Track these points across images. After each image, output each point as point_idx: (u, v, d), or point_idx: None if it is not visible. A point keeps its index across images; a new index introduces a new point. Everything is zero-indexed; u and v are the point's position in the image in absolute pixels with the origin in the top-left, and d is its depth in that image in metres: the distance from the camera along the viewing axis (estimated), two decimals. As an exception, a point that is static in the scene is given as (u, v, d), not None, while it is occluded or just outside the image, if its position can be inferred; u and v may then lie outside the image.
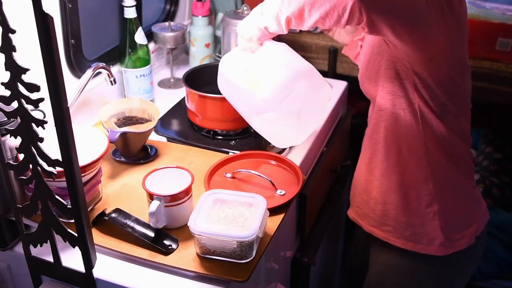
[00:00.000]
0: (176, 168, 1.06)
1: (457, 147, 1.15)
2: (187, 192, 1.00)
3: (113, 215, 1.00)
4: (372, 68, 1.15)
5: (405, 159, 1.15)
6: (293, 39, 1.80)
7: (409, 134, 1.13)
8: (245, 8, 1.56)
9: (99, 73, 1.29)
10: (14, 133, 0.80)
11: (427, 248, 1.19)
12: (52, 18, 0.71)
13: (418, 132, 1.12)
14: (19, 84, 0.76)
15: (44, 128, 0.79)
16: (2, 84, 0.77)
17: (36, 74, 0.77)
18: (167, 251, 0.96)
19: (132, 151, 1.22)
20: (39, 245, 0.92)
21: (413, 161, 1.15)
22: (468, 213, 1.21)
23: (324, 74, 1.37)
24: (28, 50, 0.86)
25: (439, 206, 1.16)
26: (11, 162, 0.86)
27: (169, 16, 1.76)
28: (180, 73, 1.74)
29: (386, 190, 1.20)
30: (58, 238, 0.90)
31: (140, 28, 1.43)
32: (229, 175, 1.17)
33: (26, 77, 0.76)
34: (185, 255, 0.96)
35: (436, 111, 1.09)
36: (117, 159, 1.24)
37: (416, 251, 1.20)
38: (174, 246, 0.97)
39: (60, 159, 0.80)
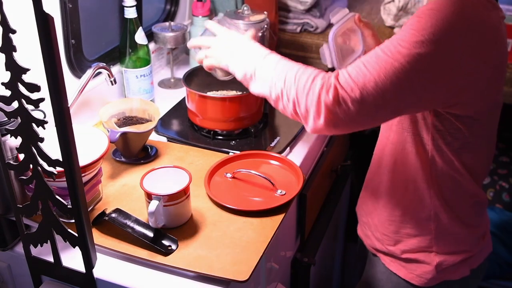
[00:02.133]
0: (174, 168, 1.06)
1: (468, 187, 1.09)
2: (185, 191, 1.01)
3: (113, 215, 1.00)
4: None
5: (409, 196, 1.11)
6: (293, 39, 1.80)
7: (418, 172, 1.08)
8: (245, 8, 1.56)
9: (100, 73, 1.29)
10: (14, 133, 0.80)
11: (417, 279, 1.16)
12: (52, 18, 0.71)
13: (426, 171, 1.07)
14: (19, 84, 0.76)
15: (44, 128, 0.80)
16: (3, 84, 0.77)
17: (36, 74, 0.77)
18: (166, 252, 0.96)
19: (132, 151, 1.22)
20: (39, 245, 0.92)
21: (417, 200, 1.11)
22: (467, 252, 1.16)
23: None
24: (28, 50, 0.86)
25: (438, 248, 1.13)
26: (12, 162, 0.86)
27: (170, 16, 1.76)
28: (181, 73, 1.74)
29: (385, 221, 1.18)
30: (58, 238, 0.90)
31: (140, 28, 1.43)
32: (229, 175, 1.17)
33: (26, 77, 0.76)
34: (185, 255, 0.96)
35: (449, 148, 1.03)
36: (118, 159, 1.24)
37: (407, 279, 1.18)
38: (173, 246, 0.97)
39: (61, 159, 0.80)
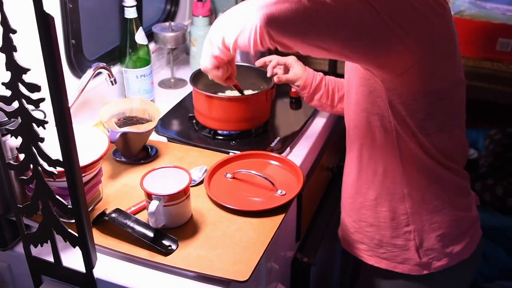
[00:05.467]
0: (174, 168, 1.06)
1: (439, 167, 1.10)
2: (185, 191, 1.01)
3: (113, 215, 1.00)
4: (349, 86, 1.13)
5: (380, 177, 1.12)
6: (294, 39, 1.80)
7: (385, 154, 1.09)
8: (245, 8, 1.56)
9: (100, 73, 1.29)
10: (14, 133, 0.80)
11: (401, 267, 1.16)
12: (53, 18, 0.71)
13: (394, 152, 1.08)
14: (20, 84, 0.76)
15: (44, 128, 0.80)
16: (3, 84, 0.77)
17: (36, 74, 0.77)
18: (166, 252, 0.96)
19: (132, 151, 1.22)
20: (39, 245, 0.92)
21: (388, 181, 1.11)
22: (450, 236, 1.15)
23: (325, 74, 1.37)
24: (28, 50, 0.86)
25: (415, 226, 1.13)
26: (12, 162, 0.86)
27: (170, 16, 1.76)
28: (181, 73, 1.74)
29: (361, 207, 1.18)
30: (58, 238, 0.90)
31: (140, 28, 1.44)
32: (229, 175, 1.17)
33: (26, 77, 0.76)
34: (185, 255, 0.96)
35: (414, 128, 1.05)
36: (118, 159, 1.24)
37: (390, 269, 1.18)
38: (173, 246, 0.97)
39: (61, 159, 0.80)
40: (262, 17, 0.89)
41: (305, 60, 1.78)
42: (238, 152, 1.25)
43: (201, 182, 1.15)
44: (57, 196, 0.85)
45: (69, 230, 0.87)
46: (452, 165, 1.13)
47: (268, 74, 1.38)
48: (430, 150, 1.08)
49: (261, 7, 0.89)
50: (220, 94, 1.38)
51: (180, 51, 1.83)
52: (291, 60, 1.36)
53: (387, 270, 1.19)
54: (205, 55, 1.07)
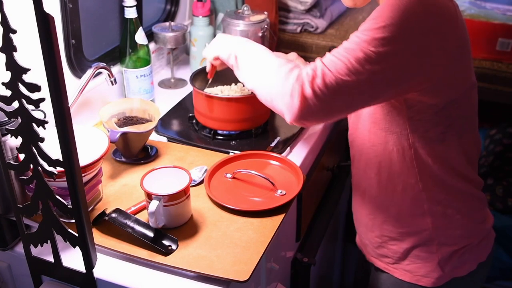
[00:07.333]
0: (174, 168, 1.06)
1: (458, 179, 1.11)
2: (185, 191, 1.01)
3: (113, 215, 1.00)
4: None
5: (400, 195, 1.12)
6: (293, 39, 1.80)
7: (403, 171, 1.09)
8: (245, 8, 1.56)
9: (100, 73, 1.29)
10: (14, 133, 0.80)
11: (425, 280, 1.17)
12: (53, 18, 0.71)
13: (413, 169, 1.08)
14: (20, 84, 0.76)
15: (44, 128, 0.80)
16: (3, 84, 0.77)
17: (37, 74, 0.77)
18: (166, 252, 0.96)
19: (132, 151, 1.23)
20: (39, 245, 0.92)
21: (408, 197, 1.11)
22: (470, 246, 1.16)
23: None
24: (29, 50, 0.86)
25: (438, 240, 1.14)
26: (12, 162, 0.86)
27: (170, 16, 1.76)
28: (181, 73, 1.74)
29: (382, 223, 1.18)
30: (58, 238, 0.90)
31: (140, 28, 1.44)
32: (229, 175, 1.17)
33: (27, 77, 0.76)
34: (185, 255, 0.96)
35: (434, 142, 1.05)
36: (118, 159, 1.24)
37: (413, 282, 1.18)
38: (173, 246, 0.97)
39: (61, 159, 0.80)
40: (293, 117, 0.94)
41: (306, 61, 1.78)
42: (238, 152, 1.25)
43: (201, 182, 1.15)
44: (57, 196, 0.85)
45: (69, 230, 0.87)
46: (470, 172, 1.13)
47: None
48: (449, 163, 1.08)
49: (290, 107, 0.93)
50: (220, 88, 1.38)
51: (180, 51, 1.83)
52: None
53: (412, 283, 1.18)
54: (215, 49, 1.17)
